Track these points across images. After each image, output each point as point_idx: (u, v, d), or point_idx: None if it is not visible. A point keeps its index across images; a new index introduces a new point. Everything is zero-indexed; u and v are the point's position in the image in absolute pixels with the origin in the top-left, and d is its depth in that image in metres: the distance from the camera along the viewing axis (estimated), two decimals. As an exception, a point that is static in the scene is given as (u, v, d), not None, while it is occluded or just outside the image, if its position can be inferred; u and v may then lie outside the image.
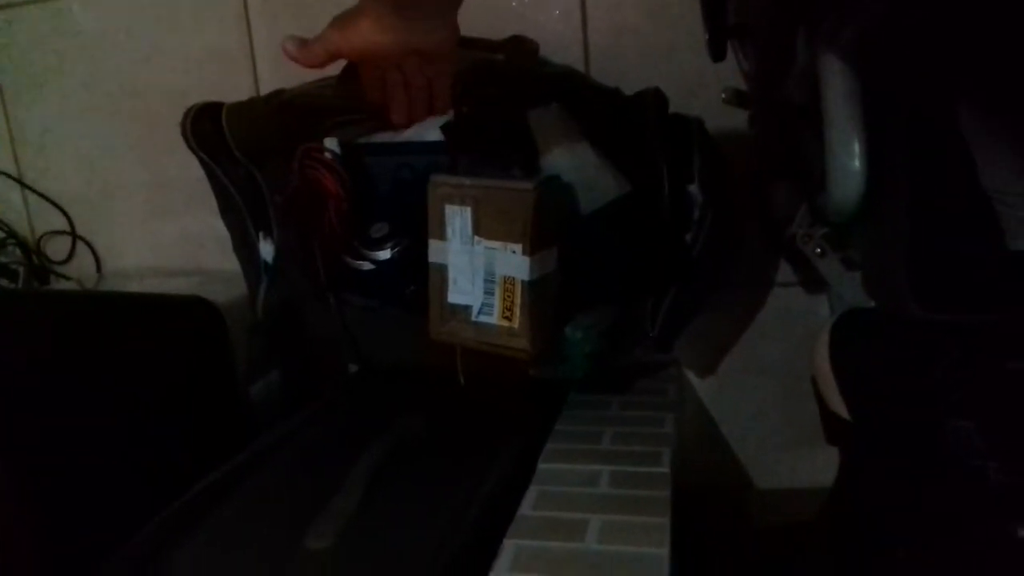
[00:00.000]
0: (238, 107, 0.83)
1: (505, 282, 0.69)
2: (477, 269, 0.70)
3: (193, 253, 1.15)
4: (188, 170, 0.91)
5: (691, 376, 1.00)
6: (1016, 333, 0.36)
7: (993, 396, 0.37)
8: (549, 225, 0.70)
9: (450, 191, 0.70)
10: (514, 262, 0.68)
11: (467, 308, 0.71)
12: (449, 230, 0.70)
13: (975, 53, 0.35)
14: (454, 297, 0.71)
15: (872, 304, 0.49)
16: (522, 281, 0.68)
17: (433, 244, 0.71)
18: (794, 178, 0.59)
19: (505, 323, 0.70)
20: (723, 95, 0.57)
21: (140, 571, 0.57)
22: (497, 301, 0.70)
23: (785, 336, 0.94)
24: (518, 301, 0.69)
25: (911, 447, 0.40)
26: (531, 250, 0.68)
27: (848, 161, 0.42)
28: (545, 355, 0.73)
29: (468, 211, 0.69)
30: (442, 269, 0.71)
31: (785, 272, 0.93)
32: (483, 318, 0.71)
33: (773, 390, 0.96)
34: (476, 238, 0.69)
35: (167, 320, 0.85)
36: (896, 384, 0.42)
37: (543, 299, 0.70)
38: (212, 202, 0.90)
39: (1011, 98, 0.33)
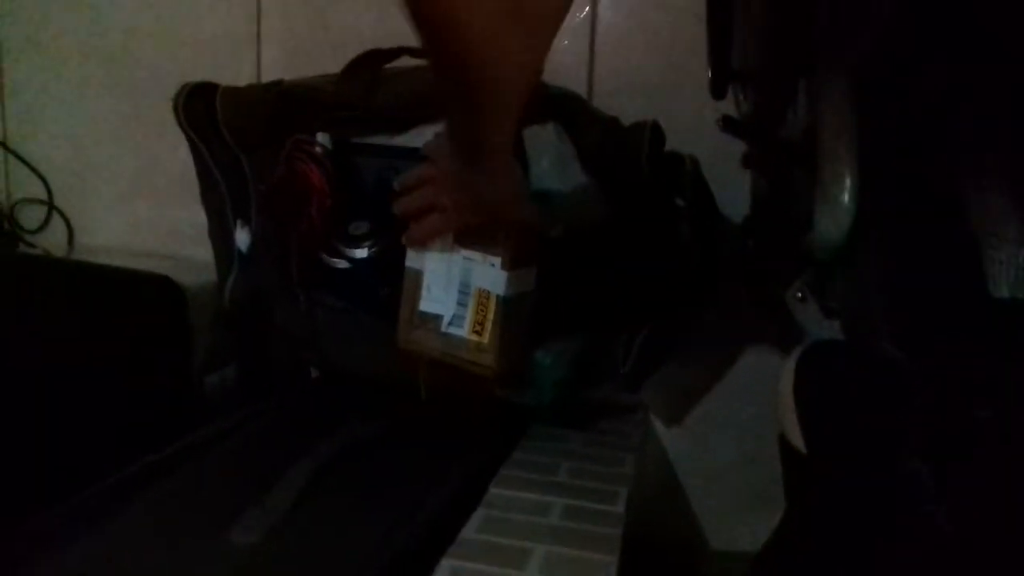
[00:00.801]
0: (234, 91, 0.82)
1: (480, 295, 0.67)
2: (453, 278, 0.68)
3: (168, 239, 1.12)
4: (176, 154, 0.89)
5: (657, 425, 0.97)
6: (987, 381, 0.35)
7: (955, 443, 0.36)
8: (531, 242, 0.68)
9: None
10: (491, 275, 0.67)
11: (438, 318, 0.69)
12: None
13: (972, 86, 0.34)
14: (426, 305, 0.69)
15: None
16: (497, 296, 0.67)
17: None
18: (782, 220, 0.59)
19: (475, 337, 0.68)
20: (717, 122, 0.57)
21: (42, 553, 0.53)
22: (469, 314, 0.68)
23: (757, 394, 0.92)
24: (490, 316, 0.67)
25: (865, 485, 0.39)
26: (510, 265, 0.66)
27: (839, 195, 0.41)
28: (511, 376, 0.71)
29: None
30: (417, 275, 0.70)
31: (762, 328, 0.91)
32: (453, 330, 0.69)
33: (740, 449, 0.94)
34: (455, 246, 0.68)
35: (128, 294, 0.82)
36: (858, 420, 0.41)
37: (516, 318, 0.69)
38: (195, 190, 0.88)
39: (1010, 133, 0.33)
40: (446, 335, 0.69)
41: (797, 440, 0.47)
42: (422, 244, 0.69)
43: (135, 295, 0.84)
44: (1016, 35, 0.32)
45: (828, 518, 0.42)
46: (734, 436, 0.95)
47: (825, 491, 0.44)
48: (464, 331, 0.68)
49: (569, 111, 0.73)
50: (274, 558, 0.53)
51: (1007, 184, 0.33)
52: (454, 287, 0.68)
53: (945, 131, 0.35)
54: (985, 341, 0.35)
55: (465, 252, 0.67)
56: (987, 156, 0.34)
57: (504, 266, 0.66)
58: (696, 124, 0.87)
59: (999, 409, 0.34)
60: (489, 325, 0.67)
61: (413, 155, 0.77)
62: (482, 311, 0.67)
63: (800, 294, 0.55)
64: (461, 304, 0.68)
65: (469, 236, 0.67)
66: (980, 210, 0.34)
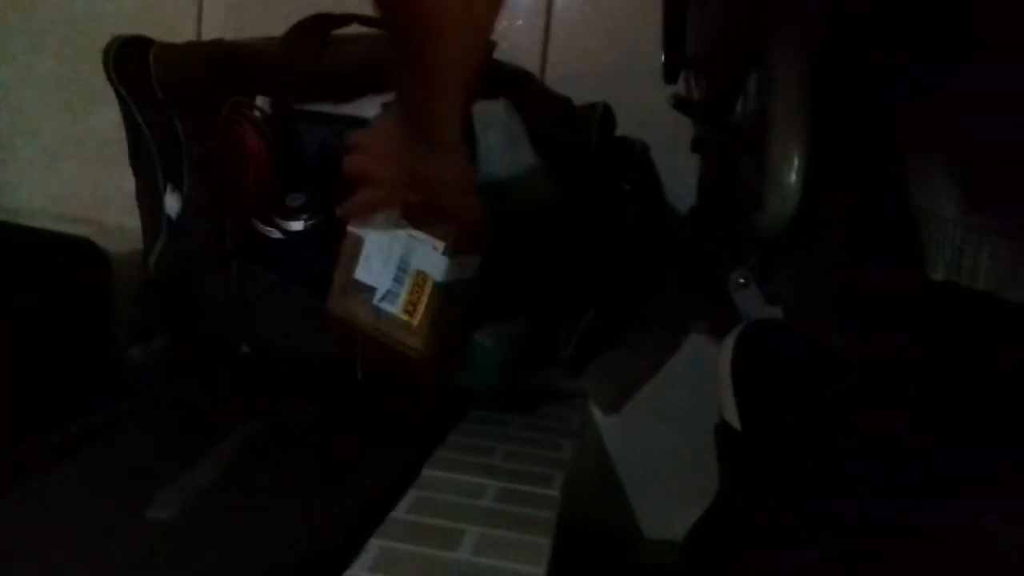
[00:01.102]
0: (170, 47, 0.78)
1: (417, 276, 0.65)
2: (393, 254, 0.66)
3: (95, 205, 1.07)
4: (106, 115, 0.84)
5: (596, 412, 0.97)
6: (915, 361, 0.35)
7: (882, 419, 0.36)
8: (478, 231, 0.67)
9: None
10: (432, 258, 0.65)
11: (372, 289, 0.67)
12: None
13: (920, 63, 0.34)
14: (362, 275, 0.67)
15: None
16: (434, 281, 0.65)
17: None
18: (729, 204, 0.59)
19: (405, 317, 0.66)
20: (669, 100, 0.57)
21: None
22: (404, 292, 0.66)
23: (696, 384, 0.92)
24: (424, 299, 0.65)
25: (797, 463, 0.39)
26: (452, 251, 0.64)
27: (786, 173, 0.41)
28: (440, 362, 0.69)
29: None
30: (358, 241, 0.67)
31: (705, 315, 0.92)
32: (385, 305, 0.67)
33: (678, 438, 0.95)
34: (401, 221, 0.66)
35: (45, 257, 0.77)
36: (791, 397, 0.41)
37: (451, 304, 0.67)
38: (125, 154, 0.84)
39: (954, 112, 0.33)
40: (377, 309, 0.66)
41: (733, 418, 0.47)
42: (356, 217, 0.67)
43: (53, 259, 0.79)
44: (963, 12, 0.32)
45: (761, 495, 0.42)
46: (671, 425, 0.95)
47: (759, 469, 0.44)
48: (396, 309, 0.66)
49: (520, 88, 0.72)
50: (190, 535, 0.50)
51: (948, 162, 0.33)
52: (393, 262, 0.66)
53: (892, 110, 0.35)
54: (919, 323, 0.35)
55: (410, 230, 0.65)
56: (932, 134, 0.34)
57: (446, 251, 0.64)
58: (648, 111, 0.87)
59: (926, 387, 0.34)
60: (422, 308, 0.65)
61: (358, 124, 0.74)
62: (417, 292, 0.65)
63: (742, 280, 0.55)
64: (397, 281, 0.66)
65: (416, 214, 0.65)
66: (920, 188, 0.34)
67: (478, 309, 0.70)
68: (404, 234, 0.66)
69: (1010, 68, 0.30)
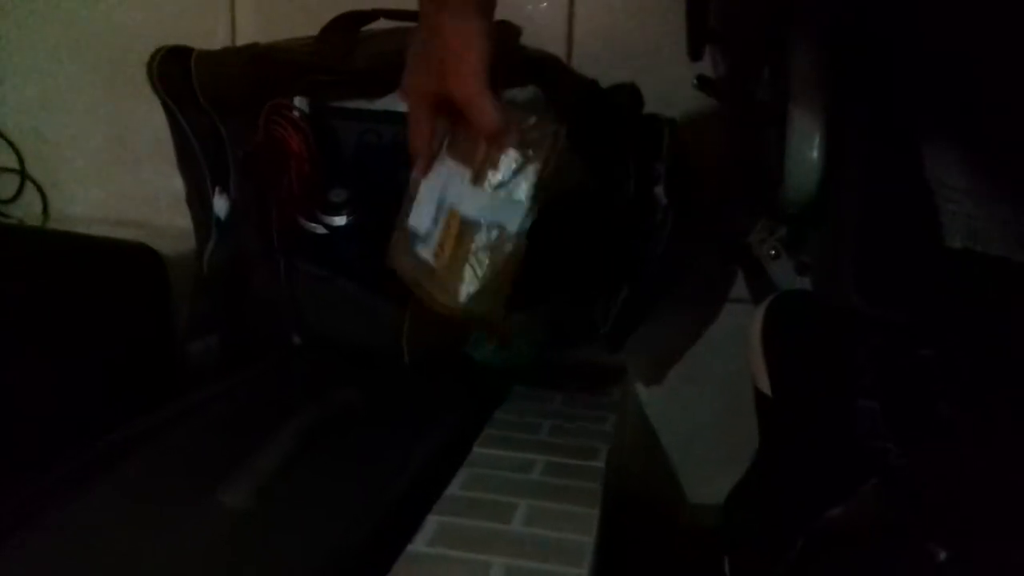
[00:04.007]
0: (209, 54, 0.81)
1: (450, 213, 0.56)
2: (435, 190, 0.58)
3: (147, 207, 1.11)
4: (152, 120, 0.88)
5: (637, 386, 0.99)
6: (933, 324, 0.36)
7: (900, 380, 0.37)
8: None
9: None
10: (460, 189, 0.55)
11: (414, 236, 0.59)
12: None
13: (938, 44, 0.35)
14: (412, 220, 0.59)
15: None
16: (460, 216, 0.55)
17: None
18: (756, 179, 0.60)
19: (435, 261, 0.57)
20: (693, 81, 0.57)
21: (21, 524, 0.54)
22: (437, 233, 0.57)
23: (734, 352, 0.93)
24: (451, 241, 0.55)
25: (824, 425, 0.41)
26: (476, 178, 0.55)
27: (807, 151, 0.42)
28: (478, 324, 0.64)
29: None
30: (415, 184, 0.59)
31: (739, 288, 0.93)
32: (420, 249, 0.58)
33: (717, 406, 0.96)
34: (444, 156, 0.58)
35: (106, 262, 0.82)
36: (817, 363, 0.43)
37: (490, 249, 0.56)
38: (172, 156, 0.87)
39: (969, 92, 0.34)
40: (416, 255, 0.59)
41: (763, 384, 0.49)
42: (418, 151, 0.59)
43: (113, 264, 0.83)
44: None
45: (792, 455, 0.44)
46: (711, 394, 0.97)
47: (788, 430, 0.46)
48: (428, 253, 0.57)
49: (548, 74, 0.73)
50: (264, 518, 0.53)
51: (958, 136, 0.34)
52: (434, 200, 0.58)
53: (907, 86, 0.36)
54: (940, 289, 0.37)
55: (449, 161, 0.57)
56: (943, 109, 0.35)
57: (472, 179, 0.55)
58: (675, 87, 0.88)
59: (943, 349, 0.36)
60: (448, 250, 0.55)
61: (392, 118, 0.77)
62: (446, 232, 0.56)
63: (773, 251, 0.56)
64: (435, 222, 0.58)
65: (455, 138, 0.58)
66: (933, 161, 0.35)
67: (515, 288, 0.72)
68: (444, 167, 0.57)
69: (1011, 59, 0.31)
